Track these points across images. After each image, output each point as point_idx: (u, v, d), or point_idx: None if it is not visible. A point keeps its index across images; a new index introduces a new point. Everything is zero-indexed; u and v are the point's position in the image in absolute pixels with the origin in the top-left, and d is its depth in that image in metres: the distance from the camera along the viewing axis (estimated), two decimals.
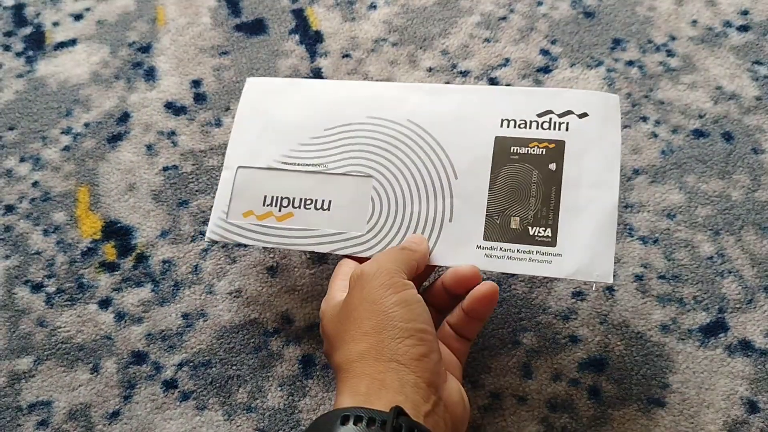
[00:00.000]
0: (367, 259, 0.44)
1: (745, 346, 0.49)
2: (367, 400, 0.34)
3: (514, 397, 0.47)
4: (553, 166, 0.45)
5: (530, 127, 0.46)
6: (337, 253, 0.46)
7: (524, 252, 0.44)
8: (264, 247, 0.51)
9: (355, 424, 0.32)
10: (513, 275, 0.52)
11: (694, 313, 0.50)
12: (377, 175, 0.47)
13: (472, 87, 0.50)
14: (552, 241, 0.44)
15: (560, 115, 0.46)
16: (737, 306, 0.50)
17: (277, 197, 0.48)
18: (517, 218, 0.45)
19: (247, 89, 0.53)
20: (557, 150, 0.45)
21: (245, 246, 0.51)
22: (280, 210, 0.48)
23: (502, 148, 0.46)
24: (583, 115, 0.46)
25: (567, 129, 0.46)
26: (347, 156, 0.48)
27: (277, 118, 0.50)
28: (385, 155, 0.48)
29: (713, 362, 0.48)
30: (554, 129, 0.46)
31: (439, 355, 0.38)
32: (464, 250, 0.44)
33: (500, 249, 0.44)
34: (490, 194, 0.45)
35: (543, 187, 0.45)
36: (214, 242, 0.51)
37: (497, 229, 0.44)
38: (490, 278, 0.52)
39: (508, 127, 0.46)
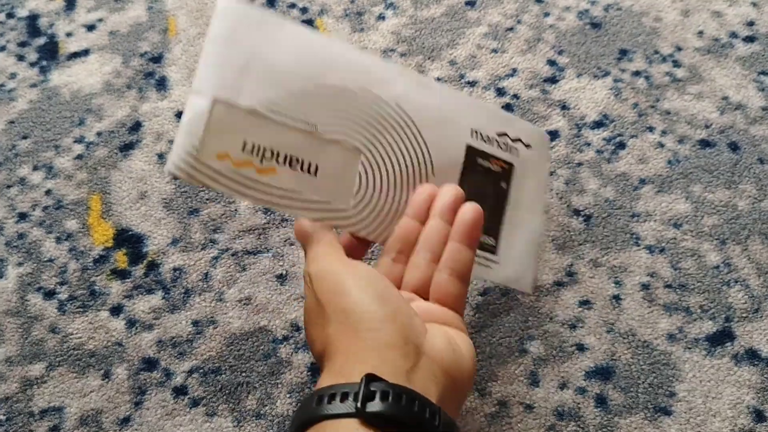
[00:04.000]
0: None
1: (751, 355, 0.49)
2: (341, 374, 0.34)
3: (521, 405, 0.48)
4: (503, 185, 0.49)
5: (492, 144, 0.50)
6: (321, 222, 0.45)
7: None
8: (240, 200, 0.48)
9: (329, 402, 0.32)
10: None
11: (701, 322, 0.50)
12: (366, 151, 0.46)
13: (451, 90, 0.53)
14: (494, 249, 0.48)
15: (513, 140, 0.51)
16: (744, 315, 0.51)
17: (259, 146, 0.43)
18: None
19: (221, 14, 0.45)
20: (508, 171, 0.50)
21: (216, 192, 0.48)
22: (261, 161, 0.43)
23: (471, 158, 0.49)
24: (528, 146, 0.51)
25: (517, 155, 0.50)
26: (339, 122, 0.46)
27: (262, 56, 0.45)
28: (375, 135, 0.47)
29: (720, 371, 0.48)
30: (508, 151, 0.50)
31: (409, 311, 0.37)
32: None
33: None
34: None
35: (494, 201, 0.49)
36: (175, 178, 0.46)
37: None
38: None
39: (475, 138, 0.50)
